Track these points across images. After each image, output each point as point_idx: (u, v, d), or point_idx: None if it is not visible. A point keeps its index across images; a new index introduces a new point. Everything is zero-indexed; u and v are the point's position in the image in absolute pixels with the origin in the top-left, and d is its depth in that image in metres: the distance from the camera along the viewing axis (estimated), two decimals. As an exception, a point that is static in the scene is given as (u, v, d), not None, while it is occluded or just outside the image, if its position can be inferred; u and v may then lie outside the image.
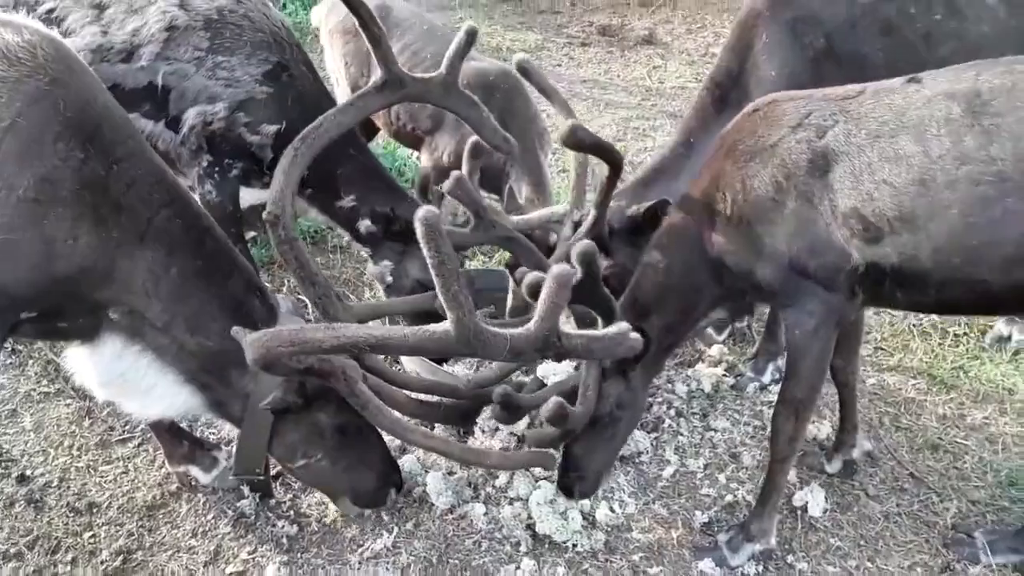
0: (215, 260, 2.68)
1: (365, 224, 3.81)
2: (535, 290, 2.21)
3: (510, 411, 2.92)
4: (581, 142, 2.88)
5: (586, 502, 3.27)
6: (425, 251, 1.84)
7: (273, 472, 3.29)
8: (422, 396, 3.10)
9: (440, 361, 4.04)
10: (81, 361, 2.72)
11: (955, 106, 2.47)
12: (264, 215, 2.74)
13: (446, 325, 2.00)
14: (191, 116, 3.49)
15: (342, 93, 4.88)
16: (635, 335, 2.26)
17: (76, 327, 2.56)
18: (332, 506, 3.30)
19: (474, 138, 3.21)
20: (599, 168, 3.15)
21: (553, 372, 3.51)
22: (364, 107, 3.03)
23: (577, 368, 3.17)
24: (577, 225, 3.38)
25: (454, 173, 3.02)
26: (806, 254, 2.65)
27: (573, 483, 3.09)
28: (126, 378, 2.66)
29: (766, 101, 2.84)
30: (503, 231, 3.27)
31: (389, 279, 3.96)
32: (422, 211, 1.80)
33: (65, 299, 2.45)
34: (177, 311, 2.57)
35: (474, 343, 2.00)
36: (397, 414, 2.74)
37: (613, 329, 2.24)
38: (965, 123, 2.44)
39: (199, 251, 2.62)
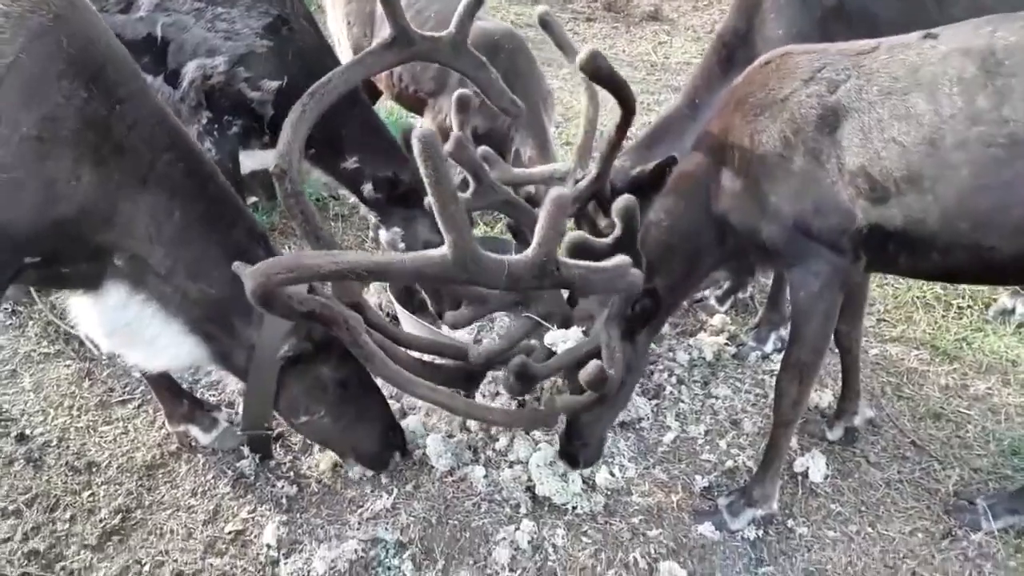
0: (218, 206, 2.65)
1: (368, 189, 3.78)
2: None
3: (525, 381, 2.89)
4: (599, 70, 2.79)
5: (586, 466, 3.27)
6: (422, 170, 1.79)
7: (274, 434, 3.28)
8: (426, 357, 3.08)
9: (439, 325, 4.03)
10: (86, 311, 2.69)
11: (969, 64, 2.41)
12: (271, 168, 2.70)
13: (443, 249, 1.95)
14: (190, 70, 3.45)
15: (344, 54, 4.83)
16: (636, 271, 2.21)
17: (79, 274, 2.53)
18: (332, 468, 3.29)
19: (462, 90, 3.17)
20: (607, 129, 3.11)
21: (563, 339, 3.45)
22: (373, 64, 2.98)
23: (586, 334, 3.12)
24: (579, 182, 3.34)
25: (453, 134, 2.97)
26: (811, 213, 2.61)
27: (578, 451, 3.07)
28: (131, 328, 2.64)
29: (779, 53, 2.78)
30: (503, 195, 3.23)
31: (401, 245, 3.94)
32: (419, 130, 1.76)
33: (67, 243, 2.42)
34: (179, 257, 2.55)
35: (471, 267, 1.96)
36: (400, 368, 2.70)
37: (613, 262, 2.18)
38: (978, 82, 2.38)
39: (201, 196, 2.59)
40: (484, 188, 3.13)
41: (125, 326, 2.66)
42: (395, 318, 4.21)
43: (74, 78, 2.28)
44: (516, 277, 2.04)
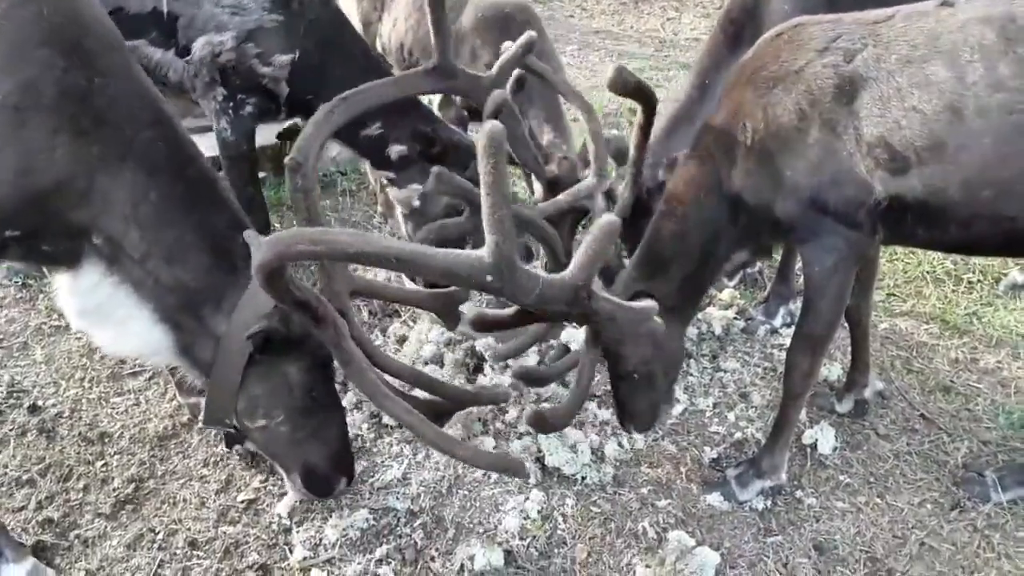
0: (197, 190, 2.56)
1: (397, 149, 3.72)
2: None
3: (533, 383, 2.92)
4: (626, 83, 2.79)
5: (595, 437, 3.28)
6: (481, 166, 1.73)
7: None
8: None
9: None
10: (64, 288, 2.61)
11: (988, 31, 2.39)
12: (286, 160, 2.68)
13: (482, 251, 1.88)
14: (199, 46, 3.40)
15: (352, 27, 4.80)
16: (659, 320, 2.24)
17: (59, 251, 2.47)
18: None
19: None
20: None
21: (573, 340, 3.43)
22: (410, 86, 3.03)
23: None
24: (608, 195, 3.34)
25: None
26: (827, 187, 2.59)
27: (626, 421, 3.05)
28: (101, 310, 2.56)
29: (791, 25, 2.74)
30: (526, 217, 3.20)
31: (416, 203, 3.89)
32: (489, 124, 1.72)
33: (45, 218, 2.37)
34: (154, 240, 2.47)
35: (507, 275, 1.88)
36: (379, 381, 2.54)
37: (641, 304, 2.18)
38: (999, 49, 2.36)
39: (180, 177, 2.52)
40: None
41: (96, 307, 2.58)
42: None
43: (53, 47, 2.25)
44: (547, 297, 1.97)
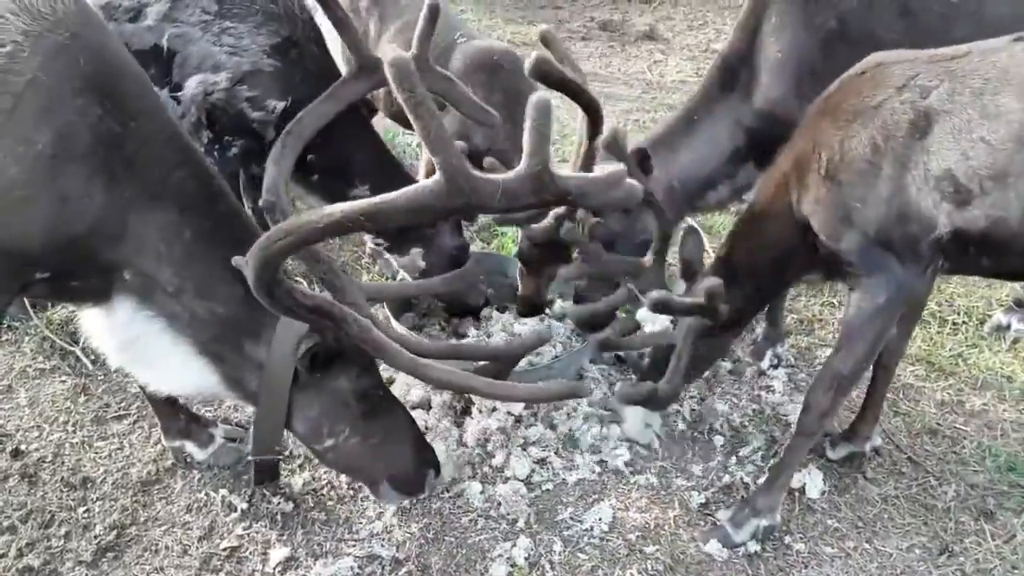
0: (227, 224, 2.61)
1: None
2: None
3: (606, 350, 3.17)
4: (547, 75, 2.76)
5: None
6: (398, 94, 1.72)
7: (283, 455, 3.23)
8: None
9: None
10: (96, 325, 2.66)
11: None
12: (261, 202, 2.75)
13: (436, 176, 1.85)
14: (191, 85, 3.39)
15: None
16: (633, 182, 2.08)
17: (88, 288, 2.52)
18: (327, 486, 3.29)
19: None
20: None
21: (652, 320, 3.42)
22: (344, 95, 3.03)
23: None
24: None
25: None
26: (893, 221, 2.63)
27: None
28: (138, 345, 2.60)
29: (873, 63, 2.79)
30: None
31: (422, 264, 3.88)
32: (391, 54, 1.70)
33: (78, 258, 2.41)
34: (188, 275, 2.51)
35: (467, 187, 1.85)
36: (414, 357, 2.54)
37: (607, 170, 2.05)
38: None
39: (211, 213, 2.56)
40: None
41: (132, 342, 2.62)
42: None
43: (89, 95, 2.29)
44: (512, 193, 1.90)
